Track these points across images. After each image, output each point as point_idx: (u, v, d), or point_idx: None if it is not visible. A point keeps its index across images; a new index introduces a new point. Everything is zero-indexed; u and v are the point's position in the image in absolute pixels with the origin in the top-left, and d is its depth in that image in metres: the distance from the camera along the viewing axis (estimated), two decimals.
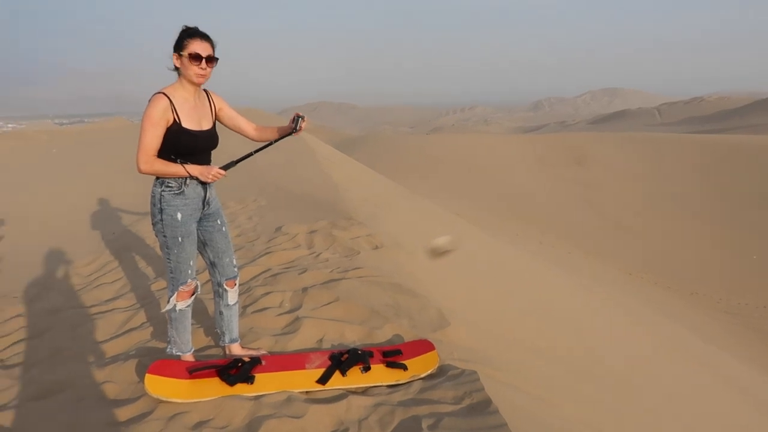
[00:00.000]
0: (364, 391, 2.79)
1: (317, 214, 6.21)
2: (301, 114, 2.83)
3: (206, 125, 2.77)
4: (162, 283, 4.61)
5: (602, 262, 19.72)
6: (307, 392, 2.77)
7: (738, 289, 17.62)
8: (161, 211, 2.71)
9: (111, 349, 3.48)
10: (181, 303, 2.86)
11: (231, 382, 2.76)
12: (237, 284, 3.11)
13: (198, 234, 2.90)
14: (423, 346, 3.07)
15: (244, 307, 3.84)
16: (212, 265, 3.01)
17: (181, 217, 2.73)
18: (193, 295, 2.90)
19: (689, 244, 21.63)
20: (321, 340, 3.33)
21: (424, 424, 2.42)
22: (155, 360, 2.94)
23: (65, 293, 4.93)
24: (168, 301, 2.86)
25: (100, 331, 3.80)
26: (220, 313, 3.09)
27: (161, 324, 3.74)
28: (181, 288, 2.82)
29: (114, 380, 3.00)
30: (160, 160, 2.63)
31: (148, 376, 2.73)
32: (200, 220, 2.89)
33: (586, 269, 17.70)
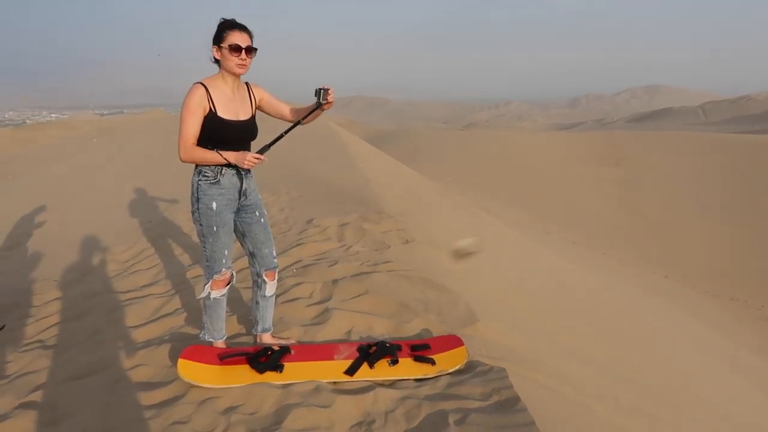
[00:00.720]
0: (392, 384, 2.79)
1: (348, 208, 6.23)
2: (324, 86, 2.73)
3: (243, 116, 2.79)
4: (197, 271, 4.70)
5: (639, 265, 19.27)
6: (334, 383, 2.79)
7: None
8: (198, 200, 2.77)
9: (146, 333, 3.56)
10: (215, 292, 2.90)
11: (260, 370, 2.80)
12: (276, 276, 3.14)
13: (236, 224, 2.95)
14: (452, 342, 3.05)
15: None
16: (251, 256, 3.05)
17: (216, 207, 2.76)
18: (228, 284, 2.95)
19: (730, 248, 20.94)
20: (350, 332, 3.34)
21: (451, 419, 2.41)
22: (188, 345, 3.01)
23: (103, 278, 5.08)
24: (203, 289, 2.90)
25: (135, 315, 3.90)
26: (257, 302, 3.13)
27: (194, 310, 3.81)
28: (215, 277, 2.86)
29: (148, 363, 3.07)
30: (199, 149, 2.67)
31: (180, 361, 2.79)
32: (238, 211, 2.92)
33: (621, 271, 17.33)
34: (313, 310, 3.60)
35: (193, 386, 2.74)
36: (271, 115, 3.00)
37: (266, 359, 2.87)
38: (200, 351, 2.92)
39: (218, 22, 2.68)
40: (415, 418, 2.49)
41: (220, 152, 2.69)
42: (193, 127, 2.63)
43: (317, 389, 2.69)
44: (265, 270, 3.06)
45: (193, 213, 2.82)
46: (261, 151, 2.71)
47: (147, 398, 2.73)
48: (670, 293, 16.14)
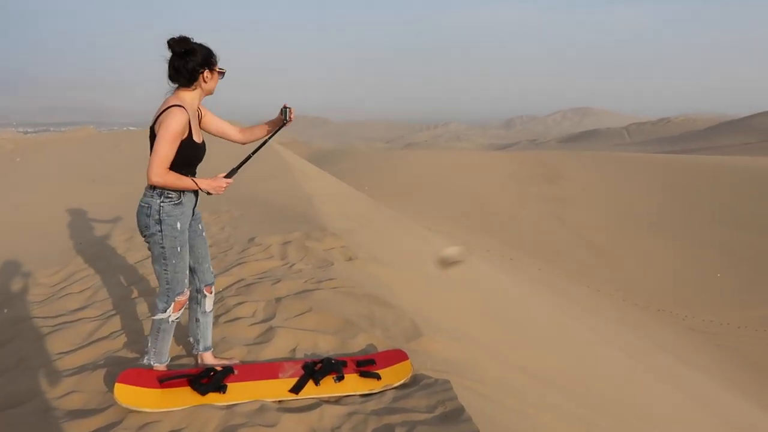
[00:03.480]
0: (338, 401, 2.78)
1: (291, 226, 6.19)
2: (288, 104, 2.90)
3: (201, 137, 2.81)
4: (132, 291, 4.54)
5: (572, 279, 20.01)
6: (280, 401, 2.76)
7: (703, 306, 18.05)
8: (160, 222, 2.68)
9: (78, 359, 3.39)
10: (175, 314, 2.83)
11: (203, 392, 2.72)
12: (213, 291, 3.09)
13: None
14: (396, 356, 3.08)
15: (216, 317, 3.79)
16: (192, 271, 2.99)
17: (180, 227, 2.73)
18: (185, 304, 2.89)
19: (657, 262, 22.11)
20: (294, 350, 3.31)
21: None
22: (124, 369, 2.89)
23: (29, 303, 4.80)
24: (163, 312, 2.80)
25: (66, 340, 3.69)
26: (196, 320, 3.06)
27: (130, 333, 3.67)
28: (178, 298, 2.80)
29: (81, 390, 2.93)
30: (173, 174, 2.62)
31: (117, 385, 2.68)
32: None
33: (556, 286, 17.94)
34: (257, 329, 3.55)
35: (131, 411, 2.63)
36: (212, 134, 2.97)
37: (208, 380, 2.80)
38: (138, 374, 2.82)
39: (200, 45, 2.68)
40: None
41: (194, 179, 2.69)
42: (171, 151, 2.58)
43: (262, 408, 2.65)
44: (205, 285, 3.02)
45: (151, 236, 2.71)
46: (229, 175, 2.76)
47: (80, 427, 2.59)
48: (602, 306, 16.85)
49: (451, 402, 2.65)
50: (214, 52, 2.73)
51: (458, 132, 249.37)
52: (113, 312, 4.15)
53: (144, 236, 2.75)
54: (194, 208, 2.86)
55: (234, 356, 3.20)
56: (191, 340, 3.12)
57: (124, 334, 3.67)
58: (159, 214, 2.67)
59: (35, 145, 22.87)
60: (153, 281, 4.77)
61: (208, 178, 2.75)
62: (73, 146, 21.16)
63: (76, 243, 6.76)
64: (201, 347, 3.08)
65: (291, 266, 4.82)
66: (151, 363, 2.89)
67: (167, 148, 2.55)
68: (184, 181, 2.65)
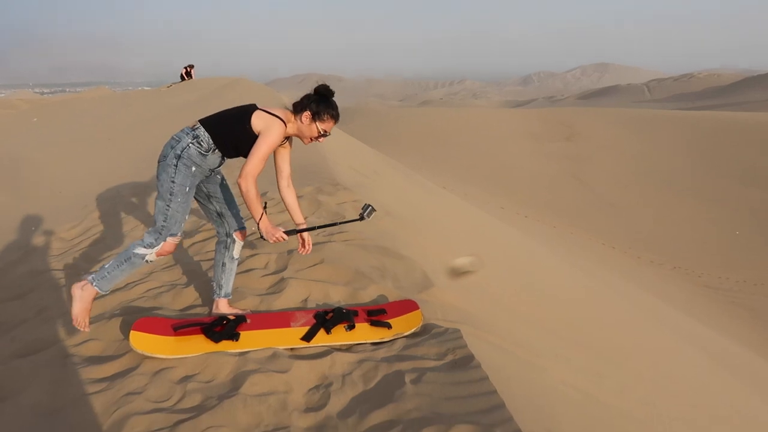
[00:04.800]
0: (348, 348, 2.81)
1: (303, 180, 6.17)
2: (372, 206, 3.04)
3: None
4: None
5: (587, 236, 19.91)
6: (291, 349, 2.80)
7: (720, 264, 17.89)
8: (179, 157, 2.73)
9: (95, 308, 3.43)
10: (155, 257, 2.81)
11: (216, 339, 2.77)
12: (244, 238, 3.15)
13: (201, 188, 2.97)
14: (407, 306, 3.09)
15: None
16: (220, 216, 3.05)
17: (195, 171, 2.79)
18: (170, 253, 2.90)
19: (675, 220, 21.85)
20: (306, 300, 3.34)
21: (407, 379, 2.45)
22: (140, 318, 2.94)
23: (48, 256, 4.90)
24: (147, 247, 2.76)
25: None
26: (223, 264, 3.10)
27: (145, 284, 3.72)
28: (170, 239, 2.80)
29: (98, 338, 2.99)
30: (257, 190, 2.76)
31: (132, 333, 2.73)
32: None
33: (570, 243, 17.87)
34: (269, 280, 3.58)
35: (146, 357, 2.69)
36: (275, 160, 3.03)
37: (222, 328, 2.84)
38: (153, 322, 2.87)
39: (330, 100, 2.81)
40: (372, 380, 2.53)
41: (264, 212, 2.82)
42: (267, 156, 2.75)
43: (274, 355, 2.69)
44: (236, 230, 3.08)
45: (166, 167, 2.74)
46: (289, 233, 2.86)
47: (98, 372, 2.67)
48: (617, 263, 16.78)
49: (461, 350, 2.67)
50: (333, 115, 2.82)
51: (474, 89, 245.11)
52: None
53: (159, 163, 2.78)
54: (214, 170, 2.95)
55: (247, 307, 3.25)
56: (213, 284, 3.16)
57: (138, 285, 3.73)
58: (182, 151, 2.73)
59: (52, 105, 22.92)
60: None
61: (270, 223, 2.86)
62: (89, 106, 21.17)
63: (93, 199, 6.83)
64: (222, 293, 3.13)
65: (304, 219, 4.81)
66: (94, 284, 2.74)
67: (266, 152, 2.72)
68: (258, 206, 2.78)
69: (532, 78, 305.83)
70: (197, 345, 2.75)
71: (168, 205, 2.75)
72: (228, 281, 3.13)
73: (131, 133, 13.02)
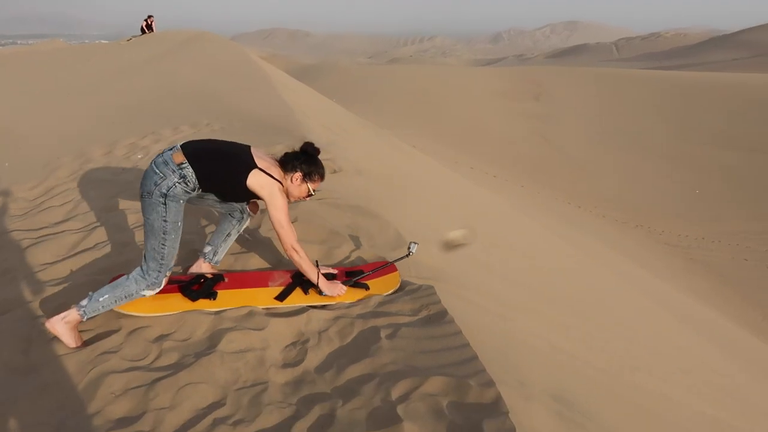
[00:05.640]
0: (324, 306, 2.85)
1: (273, 138, 6.08)
2: (416, 243, 3.15)
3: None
4: (115, 203, 4.49)
5: (554, 196, 20.27)
6: (268, 307, 2.81)
7: (680, 222, 18.49)
8: (165, 196, 2.55)
9: (64, 268, 3.40)
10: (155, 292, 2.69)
11: (193, 298, 2.76)
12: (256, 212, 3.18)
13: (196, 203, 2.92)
14: (386, 268, 3.12)
15: (203, 227, 3.80)
16: (230, 206, 3.03)
17: (183, 202, 2.65)
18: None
19: (639, 179, 22.33)
20: (280, 260, 3.35)
21: (383, 334, 2.51)
22: (113, 277, 2.91)
23: (8, 217, 4.74)
24: (149, 288, 2.62)
25: (50, 252, 3.69)
26: (228, 234, 3.09)
27: (116, 244, 3.67)
28: (168, 273, 2.66)
29: (70, 298, 2.95)
30: (306, 254, 2.79)
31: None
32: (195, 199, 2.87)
33: (538, 203, 18.19)
34: (242, 240, 3.56)
35: (122, 316, 2.68)
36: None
37: (199, 287, 2.84)
38: None
39: (318, 162, 2.80)
40: (348, 336, 2.58)
41: (319, 274, 2.85)
42: (289, 219, 2.73)
43: (250, 313, 2.71)
44: (248, 204, 3.08)
45: (153, 205, 2.55)
46: (346, 283, 2.93)
47: None
48: (583, 222, 17.20)
49: (434, 306, 2.73)
50: (322, 174, 2.83)
51: (444, 47, 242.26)
52: (97, 224, 4.12)
53: (143, 198, 2.60)
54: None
55: (221, 267, 3.24)
56: (207, 248, 3.10)
57: (109, 245, 3.67)
58: (168, 190, 2.55)
59: (3, 58, 21.80)
60: (134, 192, 4.72)
61: (327, 281, 2.89)
62: (44, 59, 20.20)
63: (54, 157, 6.60)
64: (215, 259, 3.11)
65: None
66: (85, 318, 2.57)
67: (287, 218, 2.70)
68: (313, 269, 2.82)
69: (502, 35, 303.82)
70: (174, 303, 2.74)
71: (163, 244, 2.59)
72: (224, 250, 3.13)
73: (93, 88, 12.53)
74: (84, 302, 2.57)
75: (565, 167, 23.75)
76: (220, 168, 2.64)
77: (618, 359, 4.08)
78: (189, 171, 2.57)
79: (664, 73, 38.01)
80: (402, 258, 3.14)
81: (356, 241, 3.56)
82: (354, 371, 2.31)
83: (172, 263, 2.67)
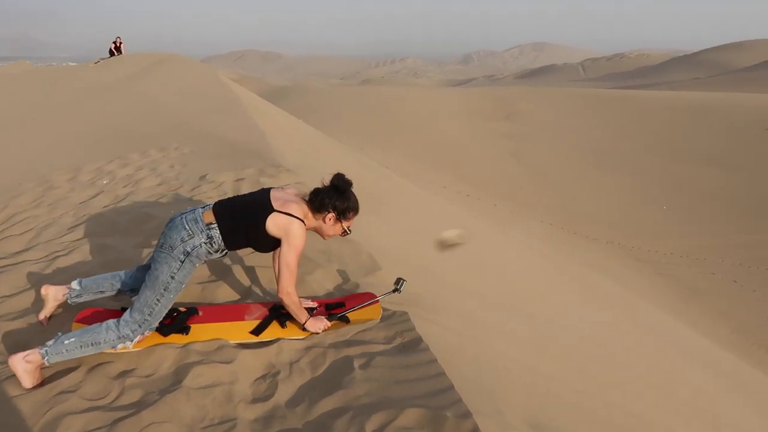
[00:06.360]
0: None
1: (244, 162, 6.01)
2: (405, 280, 3.00)
3: None
4: (78, 233, 4.34)
5: (527, 214, 20.48)
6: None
7: (650, 238, 18.83)
8: (188, 254, 2.51)
9: (23, 301, 3.25)
10: (131, 347, 2.57)
11: (165, 333, 2.65)
12: None
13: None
14: (366, 299, 3.02)
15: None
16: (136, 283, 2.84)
17: (197, 266, 2.62)
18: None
19: (610, 196, 22.74)
20: (250, 288, 3.26)
21: (356, 364, 2.44)
22: (79, 311, 2.79)
23: None
24: (124, 341, 2.50)
25: (9, 284, 3.52)
26: (103, 292, 2.87)
27: (79, 275, 3.50)
28: (147, 333, 2.56)
29: (29, 335, 2.82)
30: (297, 298, 2.66)
31: (75, 325, 2.59)
32: None
33: (511, 221, 18.35)
34: (210, 267, 3.46)
35: None
36: (274, 259, 2.86)
37: (171, 321, 2.72)
38: (95, 314, 2.73)
39: (351, 196, 2.71)
40: (320, 366, 2.50)
41: (308, 315, 2.72)
42: (297, 268, 2.61)
43: (219, 346, 2.61)
44: None
45: (169, 260, 2.50)
46: (330, 318, 2.80)
47: None
48: (555, 238, 17.39)
49: (409, 333, 2.67)
50: (356, 209, 2.73)
51: (415, 68, 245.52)
52: (59, 253, 3.97)
53: (162, 251, 2.53)
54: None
55: (188, 296, 3.12)
56: (76, 287, 2.87)
57: (71, 276, 3.52)
58: (193, 249, 2.52)
59: None
60: (100, 221, 4.58)
61: (313, 319, 2.74)
62: (10, 82, 19.78)
63: (15, 183, 6.40)
64: (74, 300, 2.87)
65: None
66: (47, 357, 2.41)
67: (296, 262, 2.58)
68: (302, 312, 2.70)
69: (472, 56, 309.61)
70: (144, 338, 2.62)
71: (158, 300, 2.51)
72: (87, 299, 2.89)
73: (59, 112, 12.28)
74: (50, 342, 2.43)
75: (536, 185, 24.08)
76: (240, 223, 2.59)
77: (592, 378, 4.07)
78: (216, 232, 2.55)
79: (629, 92, 39.16)
80: (388, 294, 2.98)
81: (329, 267, 3.50)
82: (326, 405, 2.23)
83: (155, 325, 2.57)
